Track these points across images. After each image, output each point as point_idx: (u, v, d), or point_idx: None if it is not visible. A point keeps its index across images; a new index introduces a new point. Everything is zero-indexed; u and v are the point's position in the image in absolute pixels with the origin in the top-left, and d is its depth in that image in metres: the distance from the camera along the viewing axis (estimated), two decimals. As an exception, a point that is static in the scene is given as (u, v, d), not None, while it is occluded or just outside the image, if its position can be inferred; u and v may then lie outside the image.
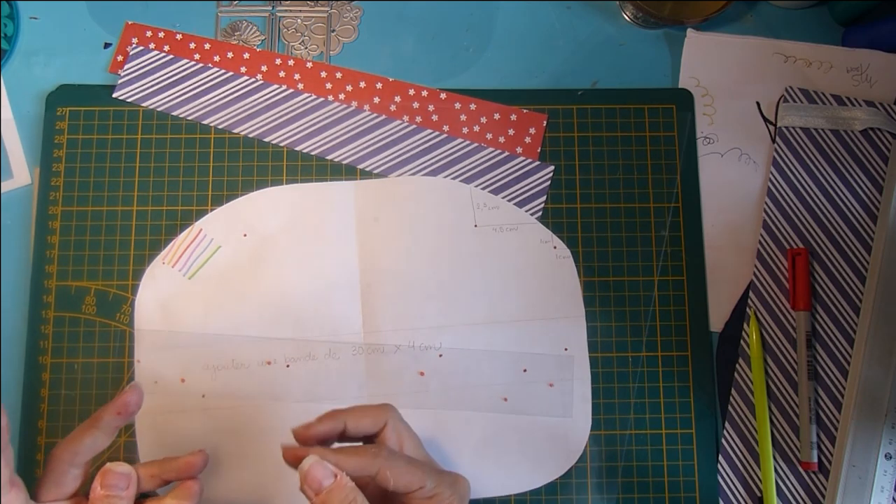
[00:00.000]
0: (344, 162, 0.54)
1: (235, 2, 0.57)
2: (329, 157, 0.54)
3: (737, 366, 0.52)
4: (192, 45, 0.56)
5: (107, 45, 0.56)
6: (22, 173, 0.54)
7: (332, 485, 0.36)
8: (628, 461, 0.51)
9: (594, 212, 0.54)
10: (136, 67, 0.55)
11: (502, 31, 0.57)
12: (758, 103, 0.55)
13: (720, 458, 0.51)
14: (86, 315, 0.52)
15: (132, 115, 0.54)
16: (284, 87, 0.55)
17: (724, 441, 0.51)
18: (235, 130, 0.54)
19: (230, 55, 0.56)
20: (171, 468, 0.42)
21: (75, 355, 0.51)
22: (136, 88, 0.55)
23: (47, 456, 0.41)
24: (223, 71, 0.55)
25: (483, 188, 0.54)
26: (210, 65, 0.55)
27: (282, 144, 0.54)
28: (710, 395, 0.52)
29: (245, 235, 0.53)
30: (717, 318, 0.53)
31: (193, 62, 0.55)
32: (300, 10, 0.57)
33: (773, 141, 0.55)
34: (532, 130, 0.54)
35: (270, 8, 0.57)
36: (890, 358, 0.50)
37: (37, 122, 0.54)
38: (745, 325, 0.52)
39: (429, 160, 0.54)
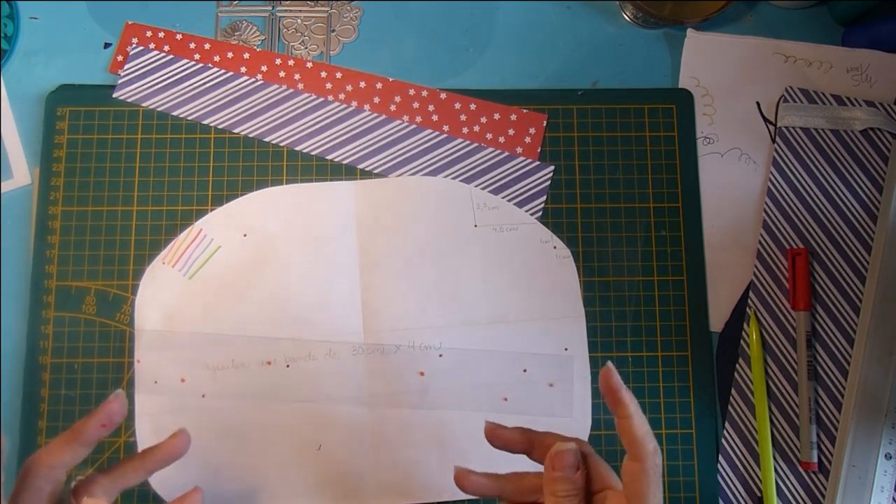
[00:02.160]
0: (344, 162, 0.54)
1: (235, 2, 0.57)
2: (329, 157, 0.54)
3: (737, 366, 0.52)
4: (192, 45, 0.56)
5: (107, 45, 0.56)
6: (22, 173, 0.54)
7: (569, 475, 0.37)
8: (628, 461, 0.51)
9: (594, 212, 0.54)
10: (136, 67, 0.55)
11: (502, 31, 0.57)
12: (758, 103, 0.55)
13: (720, 458, 0.51)
14: (86, 315, 0.52)
15: (132, 115, 0.54)
16: (284, 87, 0.55)
17: (724, 441, 0.51)
18: (235, 130, 0.54)
19: (230, 55, 0.56)
20: (155, 457, 0.41)
21: (75, 355, 0.51)
22: (136, 88, 0.55)
23: (22, 466, 0.39)
24: (223, 71, 0.55)
25: (483, 188, 0.54)
26: (210, 65, 0.55)
27: (282, 144, 0.54)
28: (710, 395, 0.52)
29: (245, 235, 0.53)
30: (717, 318, 0.53)
31: (193, 62, 0.55)
32: (300, 10, 0.57)
33: (773, 141, 0.55)
34: (532, 130, 0.54)
35: (270, 8, 0.57)
36: (890, 358, 0.50)
37: (37, 122, 0.54)
38: (745, 325, 0.52)
39: (429, 160, 0.54)
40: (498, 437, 0.41)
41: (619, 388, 0.38)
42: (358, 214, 0.53)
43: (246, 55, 0.56)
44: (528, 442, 0.41)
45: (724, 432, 0.51)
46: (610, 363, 0.38)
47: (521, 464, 0.41)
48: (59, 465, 0.39)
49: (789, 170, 0.54)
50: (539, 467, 0.40)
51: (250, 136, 0.54)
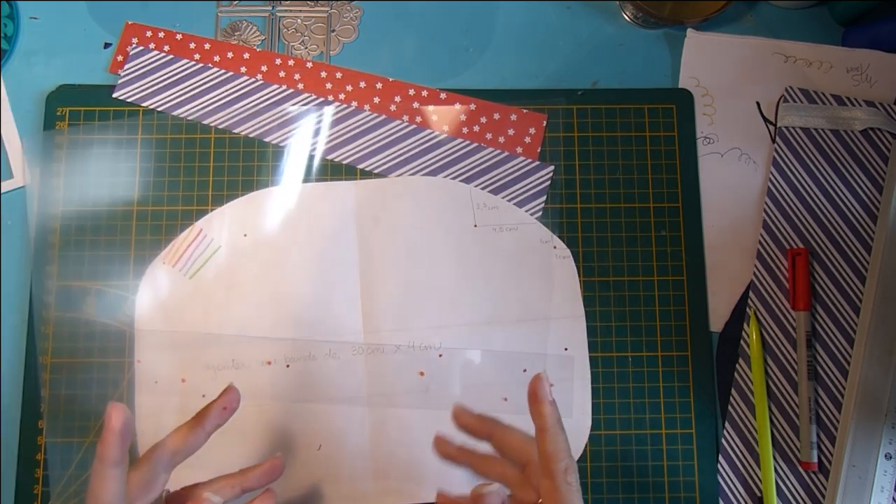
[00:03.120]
0: (344, 162, 0.54)
1: (235, 2, 0.57)
2: (329, 158, 0.54)
3: (737, 366, 0.52)
4: (192, 45, 0.56)
5: (107, 45, 0.56)
6: (22, 173, 0.54)
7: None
8: (628, 461, 0.51)
9: (594, 212, 0.54)
10: (136, 67, 0.55)
11: (502, 31, 0.57)
12: (758, 103, 0.55)
13: (720, 458, 0.51)
14: (86, 315, 0.52)
15: (132, 115, 0.54)
16: (284, 87, 0.55)
17: (724, 441, 0.51)
18: (235, 130, 0.54)
19: (230, 55, 0.56)
20: (252, 475, 0.43)
21: (75, 355, 0.51)
22: (136, 88, 0.55)
23: (143, 455, 0.40)
24: (223, 71, 0.55)
25: (483, 188, 0.54)
26: (210, 65, 0.55)
27: (282, 144, 0.54)
28: (710, 395, 0.52)
29: (245, 235, 0.53)
30: (717, 318, 0.53)
31: (193, 62, 0.55)
32: (300, 10, 0.57)
33: (773, 141, 0.55)
34: (532, 130, 0.54)
35: (270, 8, 0.57)
36: (890, 358, 0.50)
37: (37, 122, 0.54)
38: (745, 325, 0.52)
39: (429, 160, 0.54)
40: (461, 418, 0.44)
41: (543, 400, 0.39)
42: (358, 214, 0.53)
43: (246, 55, 0.56)
44: (488, 431, 0.43)
45: (724, 432, 0.51)
46: (543, 372, 0.39)
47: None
48: (181, 450, 0.41)
49: (789, 170, 0.54)
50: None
51: (250, 136, 0.54)
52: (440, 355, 0.51)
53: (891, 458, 0.49)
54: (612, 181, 0.54)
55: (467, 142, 0.54)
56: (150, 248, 0.53)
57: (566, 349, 0.51)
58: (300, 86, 0.55)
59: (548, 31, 0.57)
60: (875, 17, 0.56)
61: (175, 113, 0.54)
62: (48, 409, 0.50)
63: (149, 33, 0.56)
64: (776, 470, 0.50)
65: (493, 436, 0.43)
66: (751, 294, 0.53)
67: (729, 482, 0.50)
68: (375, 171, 0.54)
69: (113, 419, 0.37)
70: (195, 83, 0.55)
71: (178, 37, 0.56)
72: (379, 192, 0.53)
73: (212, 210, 0.53)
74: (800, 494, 0.50)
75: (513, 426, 0.43)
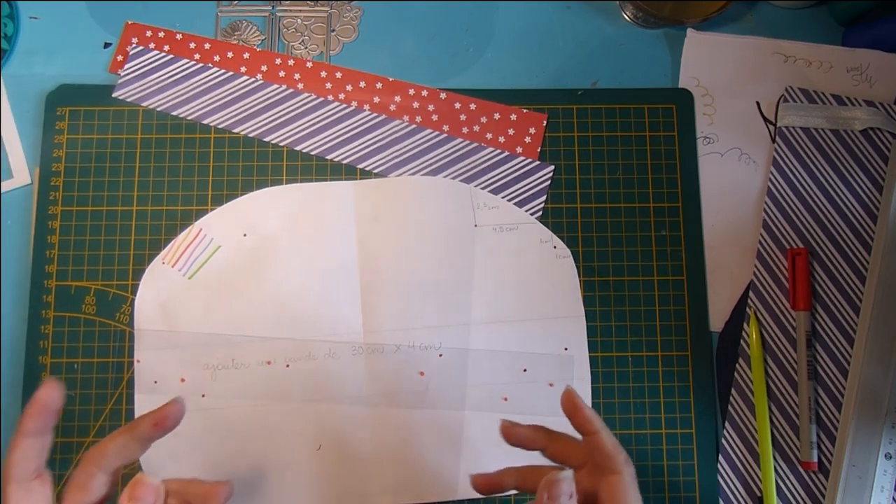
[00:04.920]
0: (344, 162, 0.54)
1: (235, 2, 0.57)
2: (329, 157, 0.54)
3: (737, 366, 0.52)
4: (192, 45, 0.56)
5: (107, 45, 0.56)
6: (22, 173, 0.54)
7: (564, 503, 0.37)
8: (628, 461, 0.51)
9: (594, 212, 0.54)
10: (136, 67, 0.55)
11: (502, 31, 0.57)
12: (758, 103, 0.55)
13: (720, 458, 0.51)
14: (86, 315, 0.52)
15: (132, 115, 0.54)
16: (284, 87, 0.55)
17: (724, 441, 0.51)
18: (235, 130, 0.54)
19: (230, 55, 0.56)
20: (196, 491, 0.41)
21: (75, 355, 0.51)
22: (136, 88, 0.55)
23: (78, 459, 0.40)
24: (223, 71, 0.55)
25: (483, 188, 0.54)
26: (210, 65, 0.55)
27: (282, 144, 0.54)
28: (710, 395, 0.52)
29: (245, 235, 0.53)
30: (717, 318, 0.53)
31: (193, 62, 0.55)
32: (300, 10, 0.57)
33: (773, 141, 0.55)
34: (532, 130, 0.54)
35: (270, 8, 0.57)
36: (890, 358, 0.50)
37: (37, 122, 0.54)
38: (745, 325, 0.52)
39: (429, 160, 0.54)
40: (514, 434, 0.41)
41: (583, 407, 0.39)
42: (358, 214, 0.53)
43: (246, 55, 0.56)
44: (543, 439, 0.41)
45: (724, 432, 0.51)
46: (570, 385, 0.40)
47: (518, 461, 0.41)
48: (109, 454, 0.39)
49: (789, 170, 0.54)
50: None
51: (250, 135, 0.54)
52: (440, 355, 0.51)
53: (891, 457, 0.49)
54: (612, 181, 0.54)
55: (467, 142, 0.54)
56: (150, 248, 0.53)
57: (566, 349, 0.51)
58: (300, 86, 0.55)
59: (548, 31, 0.57)
60: (875, 17, 0.56)
61: (175, 113, 0.54)
62: (48, 409, 0.50)
63: (149, 33, 0.56)
64: (776, 470, 0.50)
65: (549, 445, 0.41)
66: (751, 294, 0.53)
67: (729, 482, 0.50)
68: (375, 171, 0.54)
69: (38, 391, 0.38)
70: (195, 83, 0.55)
71: (178, 37, 0.56)
72: (379, 192, 0.53)
73: (212, 210, 0.53)
74: (800, 494, 0.50)
75: (562, 433, 0.41)
